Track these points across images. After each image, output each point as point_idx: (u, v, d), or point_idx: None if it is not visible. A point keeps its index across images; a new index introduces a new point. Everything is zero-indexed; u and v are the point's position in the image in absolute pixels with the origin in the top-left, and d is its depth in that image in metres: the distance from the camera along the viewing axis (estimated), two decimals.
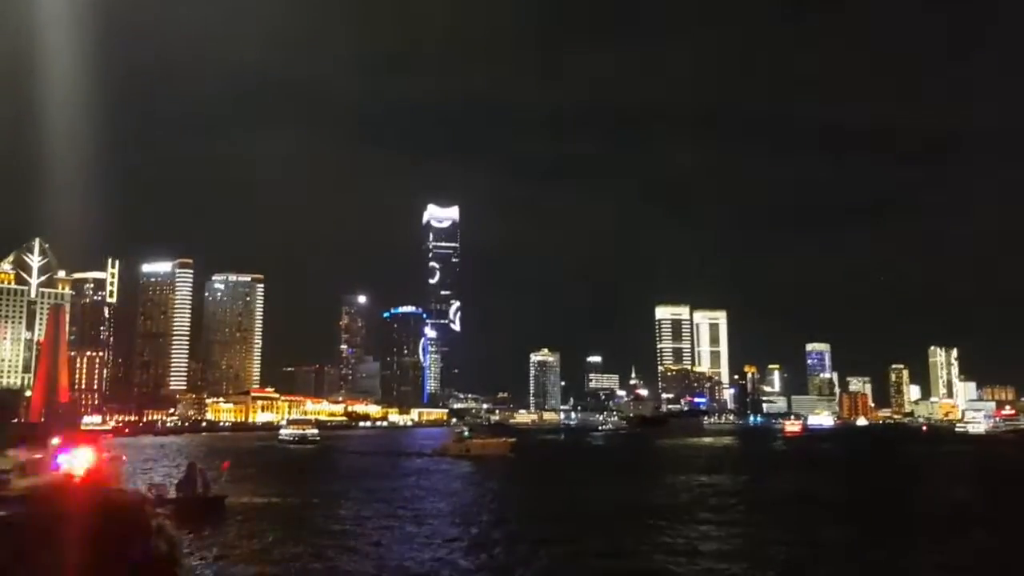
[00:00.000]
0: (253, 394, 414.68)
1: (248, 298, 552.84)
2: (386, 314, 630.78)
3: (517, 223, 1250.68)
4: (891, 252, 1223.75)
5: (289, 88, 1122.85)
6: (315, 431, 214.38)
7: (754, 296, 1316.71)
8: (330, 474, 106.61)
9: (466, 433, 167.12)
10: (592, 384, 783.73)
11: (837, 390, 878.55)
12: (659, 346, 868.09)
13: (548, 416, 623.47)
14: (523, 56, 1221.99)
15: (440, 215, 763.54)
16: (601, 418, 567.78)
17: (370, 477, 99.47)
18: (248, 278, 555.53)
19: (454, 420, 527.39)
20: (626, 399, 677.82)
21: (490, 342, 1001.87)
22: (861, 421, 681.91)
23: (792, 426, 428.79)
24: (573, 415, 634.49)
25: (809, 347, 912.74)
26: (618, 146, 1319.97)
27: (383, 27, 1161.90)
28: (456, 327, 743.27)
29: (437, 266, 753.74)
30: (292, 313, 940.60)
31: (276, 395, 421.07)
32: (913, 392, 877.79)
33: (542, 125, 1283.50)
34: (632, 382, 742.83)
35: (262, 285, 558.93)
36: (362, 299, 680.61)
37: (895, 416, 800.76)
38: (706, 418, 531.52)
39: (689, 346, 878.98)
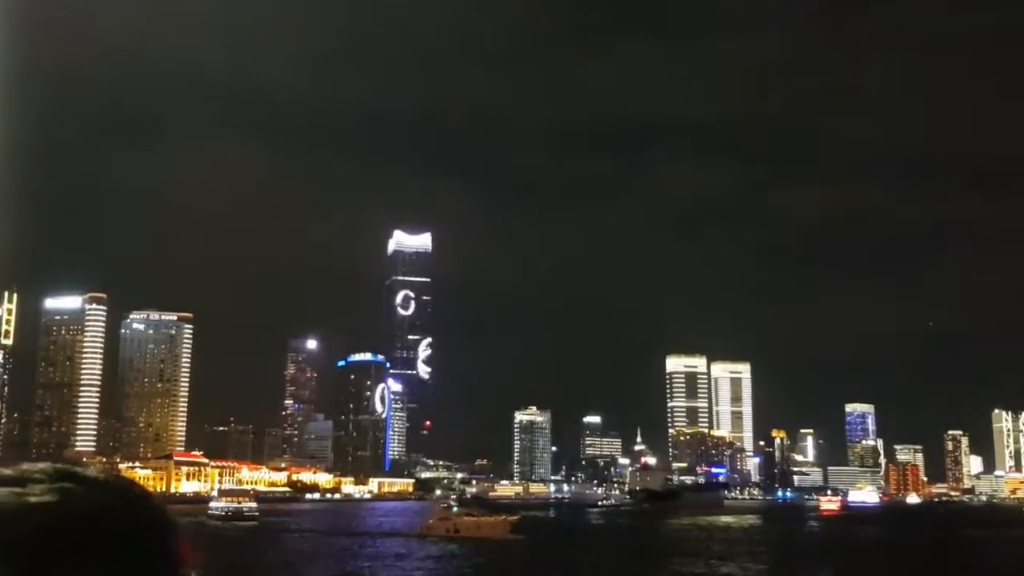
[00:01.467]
0: (177, 458, 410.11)
1: (173, 341, 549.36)
2: (341, 363, 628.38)
3: (502, 254, 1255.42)
4: (947, 296, 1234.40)
5: (229, 93, 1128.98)
6: (253, 504, 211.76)
7: (784, 346, 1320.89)
8: (277, 564, 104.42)
9: (455, 508, 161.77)
10: (589, 450, 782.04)
11: (883, 461, 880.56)
12: (670, 405, 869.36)
13: (536, 488, 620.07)
14: (516, 63, 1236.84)
15: (409, 243, 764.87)
16: (600, 491, 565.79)
17: (332, 566, 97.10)
18: (174, 317, 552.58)
19: (425, 493, 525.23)
20: (630, 468, 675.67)
21: (467, 398, 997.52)
22: (912, 499, 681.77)
23: (829, 503, 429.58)
24: (566, 487, 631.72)
25: (849, 408, 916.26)
26: (624, 165, 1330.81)
27: (344, 21, 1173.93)
28: (426, 379, 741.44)
29: (404, 305, 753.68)
30: (227, 361, 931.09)
31: (205, 460, 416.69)
32: (974, 464, 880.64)
33: (534, 139, 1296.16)
34: (637, 448, 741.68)
35: (191, 326, 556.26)
36: (312, 344, 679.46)
37: (952, 492, 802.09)
38: (726, 492, 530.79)
39: (706, 405, 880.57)
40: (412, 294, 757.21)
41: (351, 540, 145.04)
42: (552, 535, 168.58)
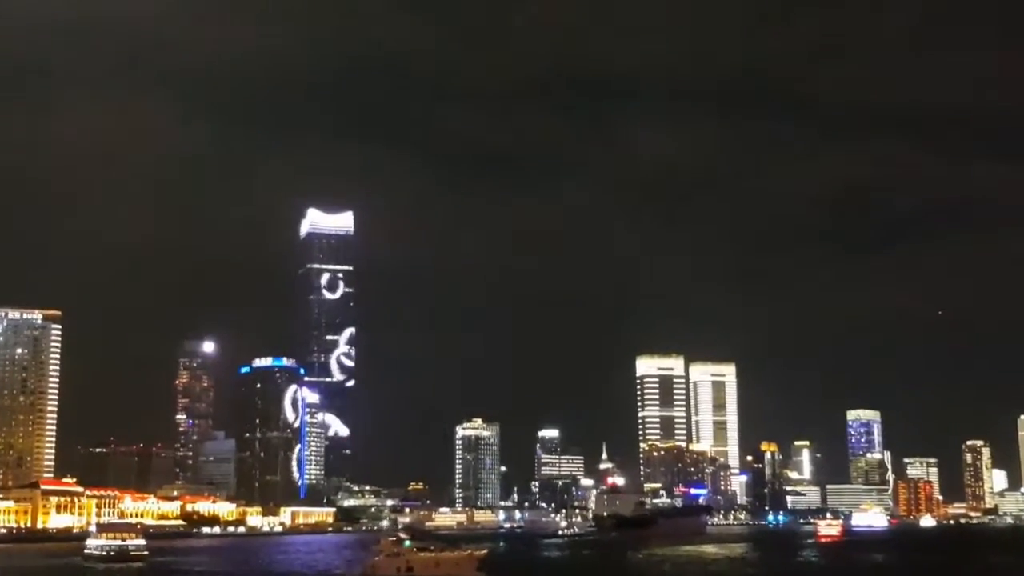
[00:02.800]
0: (44, 487, 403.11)
1: (38, 346, 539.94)
2: (244, 369, 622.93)
3: (439, 238, 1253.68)
4: (965, 283, 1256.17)
5: (116, 46, 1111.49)
6: (141, 542, 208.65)
7: (774, 344, 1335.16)
8: None
9: (407, 542, 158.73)
10: (546, 470, 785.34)
11: (891, 477, 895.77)
12: (641, 415, 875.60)
13: (482, 516, 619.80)
14: (455, 5, 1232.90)
15: (326, 224, 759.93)
16: (558, 518, 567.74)
17: None
18: (38, 316, 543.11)
19: (349, 523, 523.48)
20: (595, 491, 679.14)
21: (398, 410, 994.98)
22: (926, 521, 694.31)
23: (828, 528, 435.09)
24: (518, 515, 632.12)
25: (851, 416, 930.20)
26: (586, 127, 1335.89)
27: None
28: (347, 386, 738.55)
29: (320, 298, 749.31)
30: (105, 368, 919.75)
31: (79, 488, 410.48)
32: (997, 479, 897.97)
33: (477, 99, 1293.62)
34: (603, 466, 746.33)
35: (59, 327, 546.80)
36: (209, 348, 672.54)
37: (972, 513, 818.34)
38: (708, 518, 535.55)
39: (684, 415, 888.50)
40: (330, 285, 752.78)
41: None
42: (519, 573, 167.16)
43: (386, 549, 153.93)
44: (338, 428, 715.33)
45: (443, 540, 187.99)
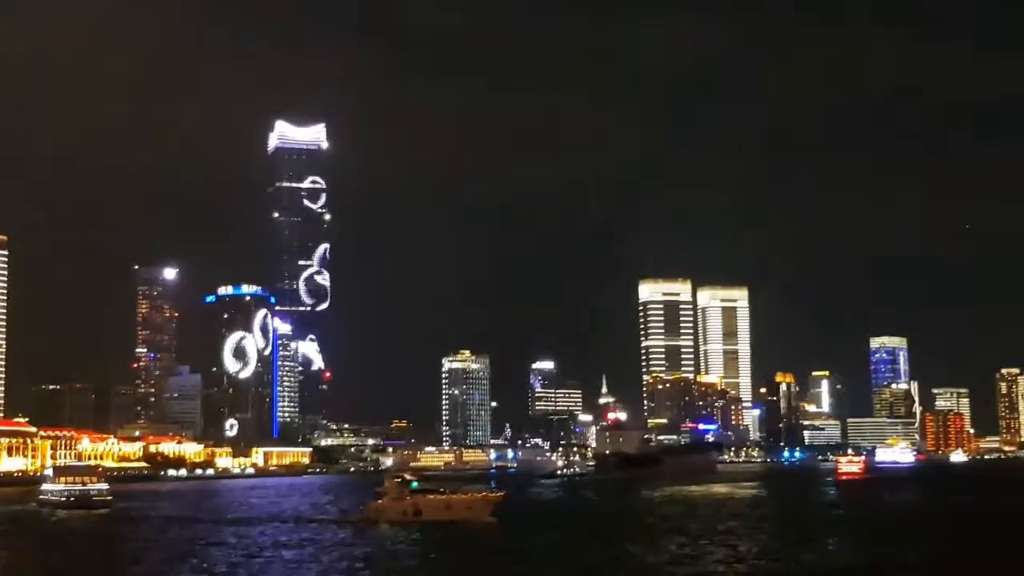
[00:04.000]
0: None
1: None
2: (209, 298, 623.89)
3: (420, 149, 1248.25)
4: (993, 191, 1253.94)
5: None
6: (104, 486, 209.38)
7: (790, 266, 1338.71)
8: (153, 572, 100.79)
9: (414, 483, 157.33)
10: (540, 406, 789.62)
11: (917, 409, 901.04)
12: (644, 344, 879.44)
13: (472, 455, 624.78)
14: None
15: (295, 137, 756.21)
16: (554, 457, 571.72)
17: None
18: None
19: (326, 465, 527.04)
20: (594, 428, 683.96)
21: (379, 341, 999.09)
22: (957, 456, 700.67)
23: (849, 465, 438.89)
24: (511, 453, 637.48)
25: (875, 343, 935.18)
26: (583, 22, 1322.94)
27: None
28: (321, 311, 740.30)
29: (291, 219, 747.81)
30: (57, 298, 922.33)
31: (32, 429, 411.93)
32: None
33: None
34: (603, 401, 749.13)
35: (5, 252, 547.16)
36: (170, 275, 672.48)
37: (1006, 448, 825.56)
38: (719, 455, 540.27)
39: (691, 344, 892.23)
40: (301, 205, 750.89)
41: (259, 528, 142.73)
42: (530, 516, 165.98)
43: (391, 491, 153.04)
44: (313, 358, 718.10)
45: (430, 481, 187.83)
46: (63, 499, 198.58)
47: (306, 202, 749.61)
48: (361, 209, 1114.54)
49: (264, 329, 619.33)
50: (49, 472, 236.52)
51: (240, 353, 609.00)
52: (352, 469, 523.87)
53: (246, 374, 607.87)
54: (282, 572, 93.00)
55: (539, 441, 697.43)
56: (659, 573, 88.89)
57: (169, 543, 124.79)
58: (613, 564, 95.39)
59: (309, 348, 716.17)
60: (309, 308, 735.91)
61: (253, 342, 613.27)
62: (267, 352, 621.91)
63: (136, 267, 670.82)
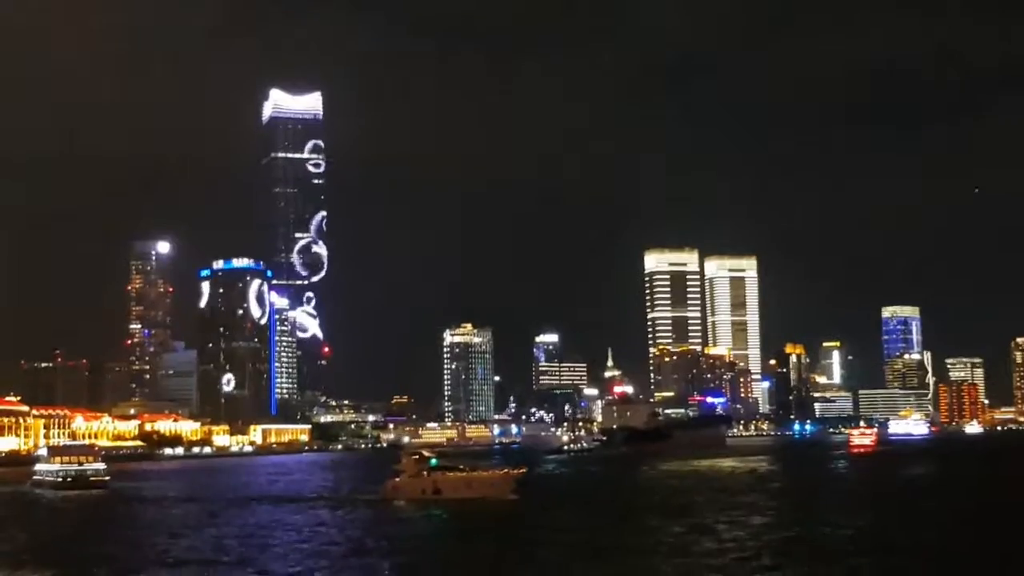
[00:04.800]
0: None
1: None
2: (204, 272, 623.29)
3: (420, 119, 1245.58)
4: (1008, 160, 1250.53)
5: None
6: (101, 466, 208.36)
7: (801, 234, 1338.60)
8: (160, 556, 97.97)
9: (433, 460, 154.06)
10: (544, 380, 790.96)
11: (931, 380, 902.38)
12: (651, 316, 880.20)
13: (474, 431, 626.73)
14: None
15: (291, 106, 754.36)
16: (559, 432, 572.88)
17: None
18: None
19: (325, 442, 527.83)
20: (600, 402, 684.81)
21: (378, 315, 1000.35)
22: (971, 428, 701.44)
23: (862, 437, 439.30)
24: (515, 429, 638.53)
25: (887, 313, 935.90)
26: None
27: None
28: (317, 281, 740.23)
29: (287, 191, 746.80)
30: (48, 273, 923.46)
31: (24, 407, 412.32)
32: None
33: None
34: (608, 374, 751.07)
35: None
36: (164, 248, 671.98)
37: (1021, 418, 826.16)
38: (727, 428, 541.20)
39: (698, 315, 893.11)
40: (297, 175, 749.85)
41: (262, 512, 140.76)
42: (549, 493, 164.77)
43: (409, 469, 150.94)
44: (312, 328, 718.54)
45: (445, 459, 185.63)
46: (59, 479, 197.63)
47: (302, 173, 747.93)
48: (359, 179, 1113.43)
49: (261, 303, 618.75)
50: (43, 452, 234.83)
51: (236, 328, 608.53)
52: (360, 446, 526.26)
53: (243, 350, 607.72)
54: (298, 556, 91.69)
55: (544, 415, 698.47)
56: (688, 548, 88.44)
57: (179, 523, 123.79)
58: (642, 539, 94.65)
59: (306, 317, 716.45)
60: (307, 281, 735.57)
61: (249, 317, 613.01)
62: (264, 326, 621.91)
63: (129, 241, 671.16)
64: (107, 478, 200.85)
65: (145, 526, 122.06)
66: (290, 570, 79.90)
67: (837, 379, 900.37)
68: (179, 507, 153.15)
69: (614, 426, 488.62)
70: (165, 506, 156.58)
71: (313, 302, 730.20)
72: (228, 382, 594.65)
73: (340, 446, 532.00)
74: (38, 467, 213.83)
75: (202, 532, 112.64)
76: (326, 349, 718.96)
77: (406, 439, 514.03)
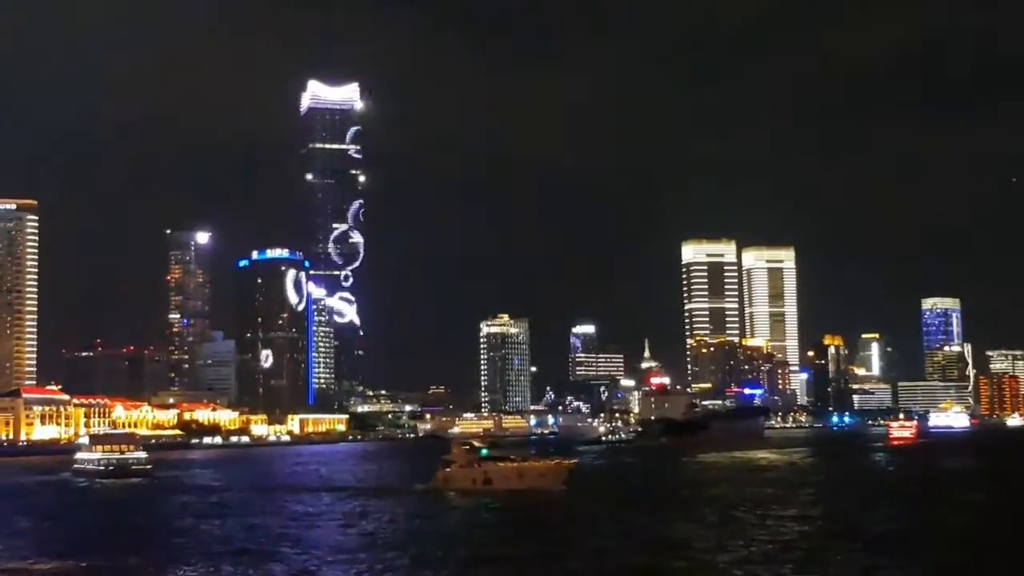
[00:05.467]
0: (27, 395, 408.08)
1: (13, 240, 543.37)
2: (243, 262, 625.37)
3: (457, 111, 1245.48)
4: None
5: None
6: (142, 454, 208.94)
7: (840, 225, 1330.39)
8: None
9: (484, 450, 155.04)
10: (581, 371, 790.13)
11: (971, 372, 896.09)
12: (688, 307, 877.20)
13: (511, 422, 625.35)
14: None
15: (329, 97, 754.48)
16: (595, 423, 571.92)
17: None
18: (12, 206, 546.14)
19: (362, 432, 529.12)
20: (637, 393, 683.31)
21: (415, 307, 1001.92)
22: (1014, 420, 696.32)
23: (901, 429, 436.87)
24: (551, 419, 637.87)
25: (926, 304, 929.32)
26: None
27: None
28: (358, 280, 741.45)
29: (324, 182, 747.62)
30: (89, 263, 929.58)
31: (65, 396, 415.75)
32: None
33: None
34: (645, 365, 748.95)
35: (35, 218, 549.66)
36: (203, 239, 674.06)
37: None
38: (765, 420, 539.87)
39: (736, 306, 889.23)
40: (335, 166, 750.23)
41: (310, 502, 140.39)
42: (598, 484, 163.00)
43: (459, 459, 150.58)
44: (349, 314, 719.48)
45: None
46: (101, 468, 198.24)
47: (339, 163, 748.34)
48: (397, 169, 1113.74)
49: (298, 293, 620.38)
50: (84, 440, 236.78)
51: (274, 318, 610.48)
52: (398, 435, 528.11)
53: (281, 340, 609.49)
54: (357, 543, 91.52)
55: (581, 404, 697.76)
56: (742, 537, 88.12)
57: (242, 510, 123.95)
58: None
59: (344, 304, 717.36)
60: (344, 272, 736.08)
61: (287, 306, 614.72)
62: (302, 316, 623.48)
63: (168, 232, 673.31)
64: (149, 467, 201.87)
65: (211, 513, 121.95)
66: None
67: (876, 371, 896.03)
68: (233, 495, 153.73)
69: (652, 417, 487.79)
70: (219, 494, 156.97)
71: (350, 280, 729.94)
72: (267, 367, 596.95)
73: (377, 436, 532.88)
74: (79, 455, 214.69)
75: (266, 518, 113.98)
76: (363, 341, 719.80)
77: (456, 429, 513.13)
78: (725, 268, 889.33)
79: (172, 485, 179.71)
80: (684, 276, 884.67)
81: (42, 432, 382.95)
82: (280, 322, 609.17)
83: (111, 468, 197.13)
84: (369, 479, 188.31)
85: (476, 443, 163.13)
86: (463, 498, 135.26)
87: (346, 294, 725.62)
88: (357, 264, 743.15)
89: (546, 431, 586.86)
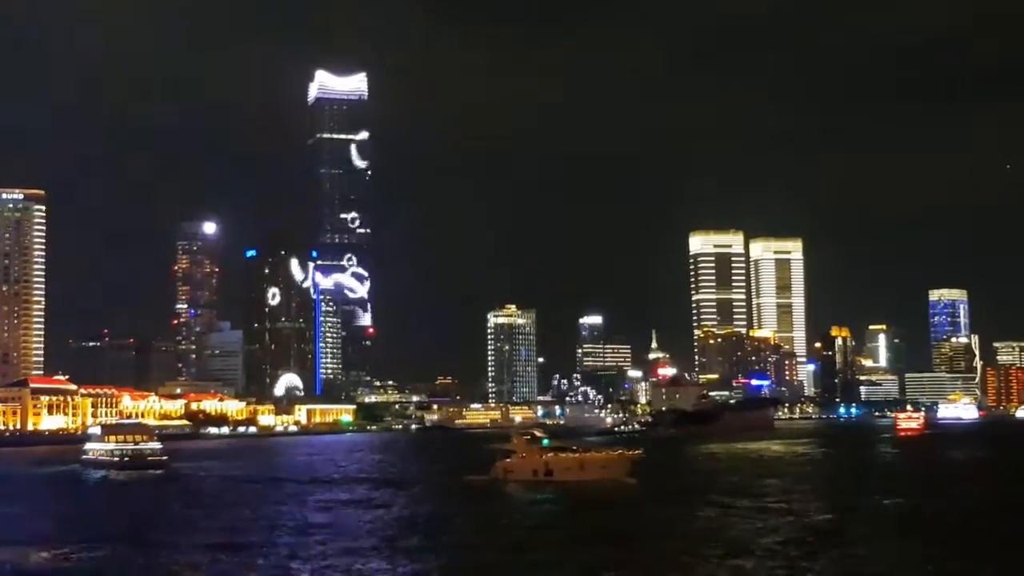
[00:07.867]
0: (34, 385, 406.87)
1: (20, 229, 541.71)
2: (250, 253, 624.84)
3: (464, 99, 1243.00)
4: None
5: None
6: (157, 445, 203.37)
7: (847, 215, 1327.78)
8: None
9: (545, 441, 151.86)
10: (588, 361, 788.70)
11: (979, 364, 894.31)
12: (695, 298, 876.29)
13: (518, 413, 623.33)
14: None
15: (337, 88, 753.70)
16: (603, 414, 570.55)
17: None
18: (19, 195, 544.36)
19: (370, 422, 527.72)
20: (645, 384, 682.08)
21: (422, 296, 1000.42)
22: (1021, 412, 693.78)
23: (909, 421, 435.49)
24: (559, 410, 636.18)
25: (934, 296, 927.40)
26: None
27: None
28: (366, 273, 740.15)
29: (332, 172, 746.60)
30: (96, 254, 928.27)
31: (72, 386, 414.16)
32: None
33: None
34: (652, 356, 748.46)
35: (43, 207, 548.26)
36: (210, 229, 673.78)
37: None
38: (775, 411, 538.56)
39: (743, 297, 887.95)
40: (343, 156, 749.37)
41: (358, 492, 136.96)
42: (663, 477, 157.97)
43: (520, 448, 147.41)
44: (361, 292, 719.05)
45: (473, 439, 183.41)
46: (114, 459, 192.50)
47: (347, 154, 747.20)
48: (404, 160, 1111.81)
49: (306, 283, 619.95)
50: (95, 430, 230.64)
51: (282, 309, 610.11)
52: (401, 426, 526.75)
53: (288, 330, 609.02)
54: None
55: (589, 391, 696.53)
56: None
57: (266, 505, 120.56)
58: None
59: (352, 281, 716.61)
60: (351, 261, 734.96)
61: (295, 297, 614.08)
62: (309, 306, 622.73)
63: (176, 222, 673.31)
64: (165, 457, 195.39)
65: (241, 503, 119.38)
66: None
67: (883, 362, 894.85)
68: (257, 485, 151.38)
69: (662, 408, 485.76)
70: (243, 485, 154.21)
71: (355, 261, 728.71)
72: (273, 362, 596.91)
73: (383, 426, 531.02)
74: (88, 446, 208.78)
75: (304, 506, 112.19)
76: (371, 330, 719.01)
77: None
78: (732, 259, 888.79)
79: (192, 477, 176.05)
80: (692, 267, 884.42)
81: (49, 422, 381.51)
82: (287, 312, 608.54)
83: (126, 459, 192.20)
84: (413, 471, 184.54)
85: (538, 432, 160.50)
86: (523, 489, 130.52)
87: (359, 269, 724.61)
88: (363, 254, 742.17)
89: (553, 423, 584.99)
